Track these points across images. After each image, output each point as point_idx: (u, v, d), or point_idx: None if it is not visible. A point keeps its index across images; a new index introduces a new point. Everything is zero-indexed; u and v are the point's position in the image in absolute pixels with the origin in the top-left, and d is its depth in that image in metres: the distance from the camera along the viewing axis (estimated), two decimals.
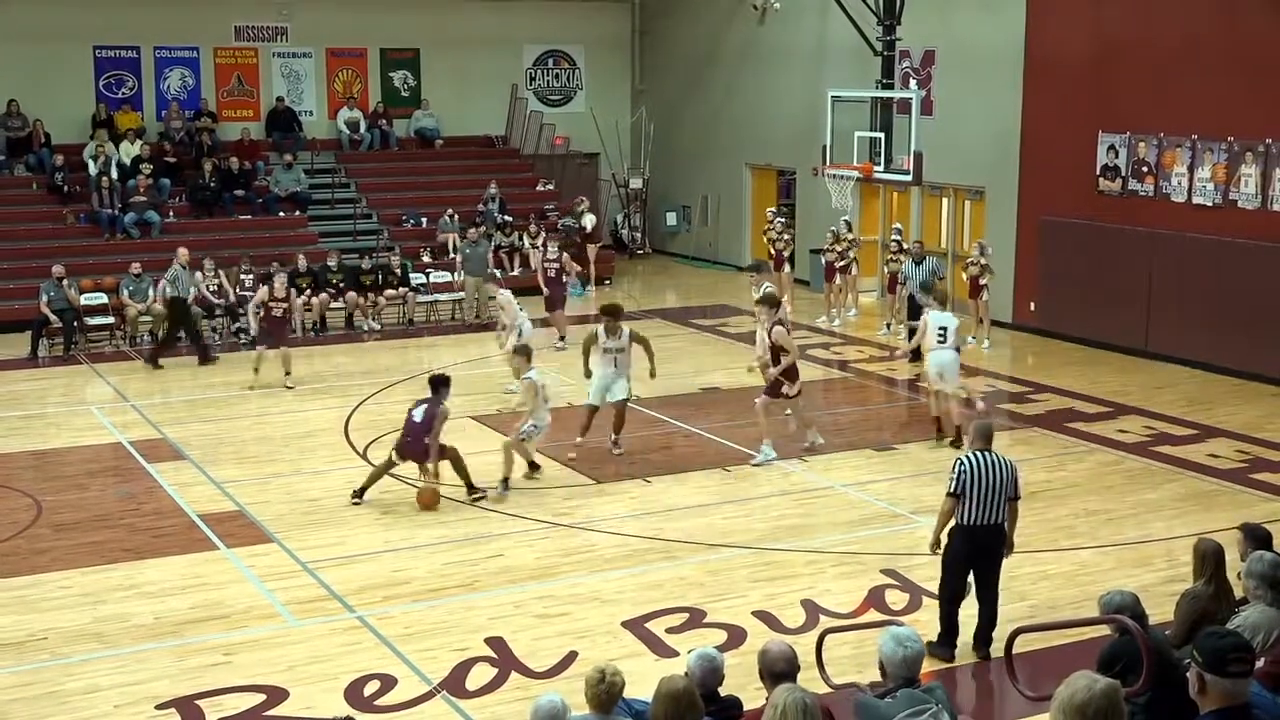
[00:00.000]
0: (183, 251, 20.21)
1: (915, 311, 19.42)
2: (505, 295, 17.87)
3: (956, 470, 9.15)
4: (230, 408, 16.98)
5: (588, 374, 14.69)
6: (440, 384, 13.07)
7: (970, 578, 9.37)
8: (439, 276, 23.12)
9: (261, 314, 18.01)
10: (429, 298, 22.77)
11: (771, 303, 14.46)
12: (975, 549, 9.22)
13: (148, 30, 26.00)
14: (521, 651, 9.51)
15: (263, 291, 18.28)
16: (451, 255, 24.36)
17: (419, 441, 12.69)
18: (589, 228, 26.22)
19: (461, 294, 22.54)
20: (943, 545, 9.40)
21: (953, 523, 9.24)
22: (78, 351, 19.89)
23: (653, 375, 14.87)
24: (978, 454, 9.19)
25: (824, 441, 14.50)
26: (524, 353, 13.64)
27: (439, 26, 28.15)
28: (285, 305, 18.23)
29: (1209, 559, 7.78)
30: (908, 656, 5.78)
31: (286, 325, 18.49)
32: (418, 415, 12.78)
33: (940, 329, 14.58)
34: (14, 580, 10.99)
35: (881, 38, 21.44)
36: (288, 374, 17.80)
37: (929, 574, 9.99)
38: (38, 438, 15.54)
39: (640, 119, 29.70)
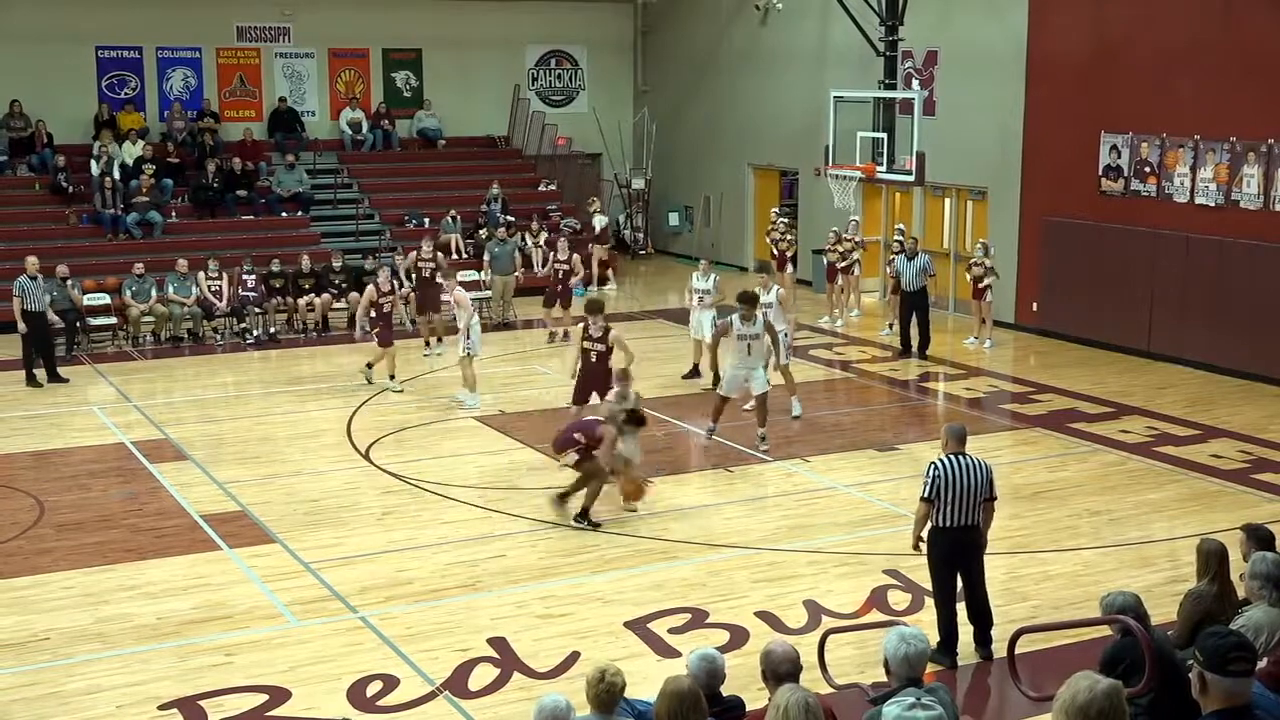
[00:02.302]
0: (31, 260, 18.25)
1: (909, 308, 19.48)
2: (461, 293, 17.25)
3: (930, 474, 9.11)
4: (232, 408, 16.99)
5: (713, 368, 15.58)
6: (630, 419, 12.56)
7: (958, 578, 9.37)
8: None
9: (374, 314, 17.51)
10: None
11: (597, 309, 14.42)
12: (955, 549, 9.20)
13: (150, 31, 26.01)
14: (524, 652, 9.51)
15: (370, 291, 17.66)
16: (454, 256, 24.39)
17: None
18: (598, 228, 26.34)
19: (488, 293, 22.46)
20: (924, 548, 9.39)
21: (931, 525, 9.23)
22: (80, 352, 19.89)
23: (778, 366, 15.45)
24: (952, 457, 9.14)
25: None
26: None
27: (441, 27, 28.15)
28: (391, 300, 17.73)
29: (1212, 559, 7.78)
30: (910, 654, 5.77)
31: (391, 322, 17.77)
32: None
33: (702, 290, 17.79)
34: (16, 581, 10.99)
35: (884, 38, 21.47)
36: (392, 376, 17.43)
37: (929, 574, 9.97)
38: (40, 438, 15.54)
39: (643, 119, 29.71)
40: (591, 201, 27.22)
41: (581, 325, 14.65)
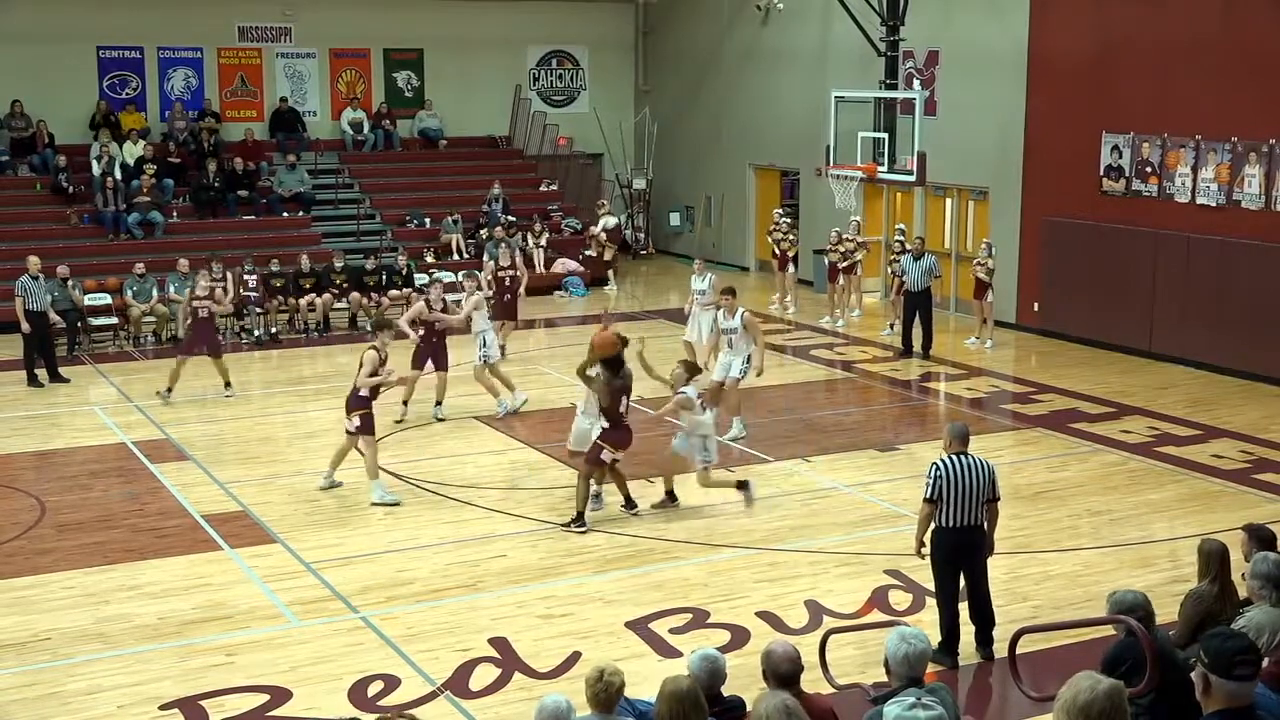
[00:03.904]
0: (33, 260, 18.07)
1: (912, 308, 19.48)
2: (478, 298, 16.39)
3: (932, 475, 9.10)
4: (234, 408, 16.98)
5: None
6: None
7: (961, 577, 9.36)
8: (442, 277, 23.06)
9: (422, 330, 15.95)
10: None
11: (384, 326, 14.01)
12: (957, 548, 9.19)
13: (151, 30, 26.02)
14: (525, 652, 9.51)
15: (419, 306, 16.18)
16: (455, 257, 24.40)
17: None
18: (608, 228, 26.43)
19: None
20: (926, 548, 9.39)
21: (934, 524, 9.22)
22: (81, 352, 19.90)
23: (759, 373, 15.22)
24: (954, 457, 9.13)
25: (398, 501, 13.18)
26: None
27: (442, 27, 28.16)
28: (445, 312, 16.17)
29: (1213, 559, 7.76)
30: (910, 653, 5.77)
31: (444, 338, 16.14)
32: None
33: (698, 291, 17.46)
34: (17, 581, 11.00)
35: (885, 38, 21.47)
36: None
37: (932, 574, 9.97)
38: (41, 438, 15.55)
39: (644, 119, 29.70)
40: (601, 204, 27.31)
41: (376, 350, 13.35)
